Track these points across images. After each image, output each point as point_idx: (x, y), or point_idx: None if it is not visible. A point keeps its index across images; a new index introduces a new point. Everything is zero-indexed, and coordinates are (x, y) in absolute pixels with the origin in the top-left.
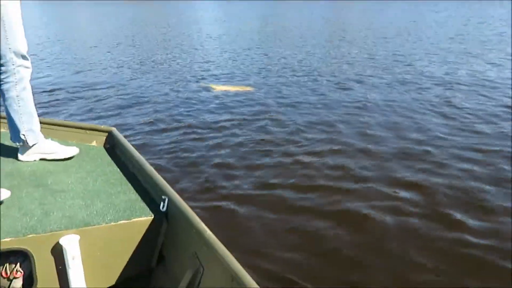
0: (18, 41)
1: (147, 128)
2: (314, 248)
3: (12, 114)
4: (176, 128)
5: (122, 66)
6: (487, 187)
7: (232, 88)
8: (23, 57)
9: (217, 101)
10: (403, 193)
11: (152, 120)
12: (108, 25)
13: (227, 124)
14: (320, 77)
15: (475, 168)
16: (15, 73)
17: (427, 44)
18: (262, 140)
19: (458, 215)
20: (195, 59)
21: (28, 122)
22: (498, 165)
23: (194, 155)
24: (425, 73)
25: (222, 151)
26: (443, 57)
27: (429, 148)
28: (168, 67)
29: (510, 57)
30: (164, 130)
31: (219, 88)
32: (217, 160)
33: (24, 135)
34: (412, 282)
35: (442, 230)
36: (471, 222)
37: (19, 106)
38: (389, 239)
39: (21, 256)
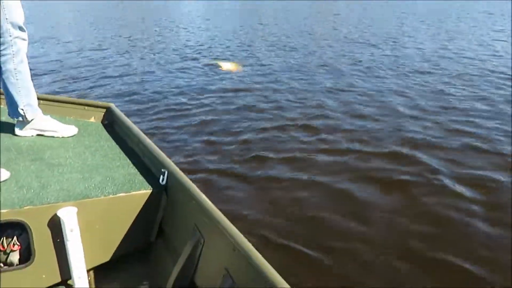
0: (15, 11)
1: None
2: (303, 214)
3: (10, 88)
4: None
5: (106, 46)
6: None
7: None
8: (20, 28)
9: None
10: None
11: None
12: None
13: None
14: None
15: None
16: (12, 45)
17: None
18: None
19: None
20: (179, 40)
21: (27, 96)
22: None
23: (181, 130)
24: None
25: (210, 126)
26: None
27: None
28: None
29: None
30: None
31: (209, 62)
32: (203, 135)
33: (22, 109)
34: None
35: (435, 194)
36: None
37: (17, 80)
38: (372, 208)
39: (18, 229)
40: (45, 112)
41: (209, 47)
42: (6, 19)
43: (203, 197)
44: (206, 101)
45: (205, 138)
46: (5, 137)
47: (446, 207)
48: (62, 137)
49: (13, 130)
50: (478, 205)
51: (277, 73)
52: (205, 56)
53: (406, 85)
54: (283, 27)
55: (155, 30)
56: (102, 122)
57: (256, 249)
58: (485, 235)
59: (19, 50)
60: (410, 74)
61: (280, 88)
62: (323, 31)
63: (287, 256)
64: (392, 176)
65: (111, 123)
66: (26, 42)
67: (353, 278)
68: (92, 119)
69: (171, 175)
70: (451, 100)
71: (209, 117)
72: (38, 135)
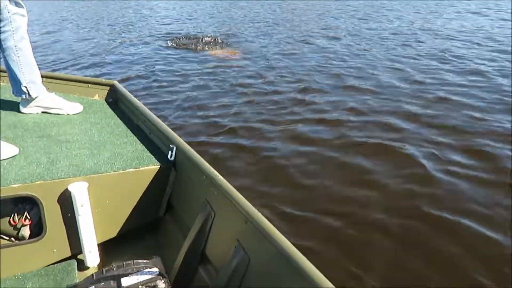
0: None
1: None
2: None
3: (12, 66)
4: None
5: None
6: None
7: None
8: (17, 4)
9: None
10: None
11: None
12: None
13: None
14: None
15: None
16: (11, 22)
17: None
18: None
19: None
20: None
21: (29, 74)
22: None
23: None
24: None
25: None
26: None
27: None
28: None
29: None
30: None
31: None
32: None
33: (26, 87)
34: None
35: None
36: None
37: (18, 57)
38: (366, 173)
39: (29, 204)
40: (49, 90)
41: (202, 36)
42: None
43: (213, 171)
44: (200, 82)
45: (200, 114)
46: (10, 114)
47: (439, 171)
48: (68, 114)
49: (18, 108)
50: (471, 169)
51: (269, 55)
52: (197, 44)
53: (395, 59)
54: (267, 16)
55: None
56: (106, 99)
57: (269, 220)
58: (476, 193)
59: (18, 27)
60: (399, 48)
61: (273, 66)
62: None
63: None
64: (382, 142)
65: (115, 100)
66: (26, 19)
67: (351, 235)
68: (96, 97)
69: (179, 150)
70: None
71: (202, 95)
72: (43, 112)
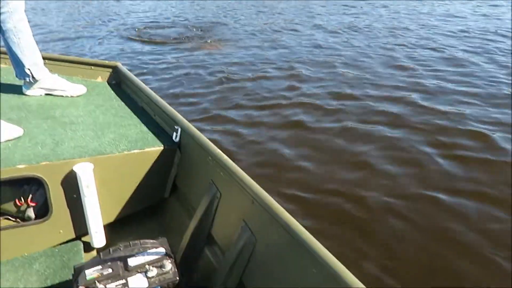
0: None
1: None
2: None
3: (14, 48)
4: None
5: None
6: None
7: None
8: None
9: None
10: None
11: None
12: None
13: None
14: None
15: None
16: (8, 2)
17: None
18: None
19: None
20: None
21: (32, 55)
22: None
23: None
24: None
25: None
26: None
27: None
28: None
29: None
30: None
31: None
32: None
33: (29, 69)
34: None
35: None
36: None
37: (19, 39)
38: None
39: (35, 185)
40: (51, 72)
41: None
42: None
43: (219, 152)
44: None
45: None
46: (14, 97)
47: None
48: (71, 96)
49: (21, 90)
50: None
51: (253, 48)
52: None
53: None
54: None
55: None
56: (109, 81)
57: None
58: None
59: (16, 7)
60: (386, 33)
61: (260, 55)
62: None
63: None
64: (366, 119)
65: (118, 82)
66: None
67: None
68: (99, 79)
69: (184, 132)
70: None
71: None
72: (46, 94)
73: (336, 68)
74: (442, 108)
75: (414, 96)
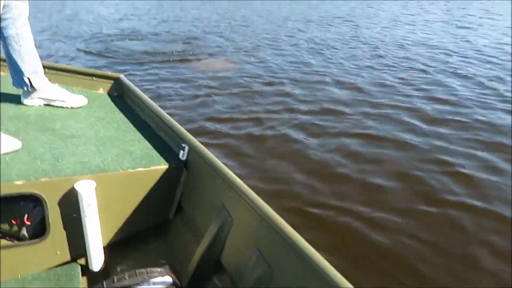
0: None
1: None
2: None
3: (14, 55)
4: None
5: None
6: None
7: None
8: None
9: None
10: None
11: None
12: None
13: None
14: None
15: None
16: (12, 8)
17: None
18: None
19: None
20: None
21: (32, 64)
22: None
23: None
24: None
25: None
26: None
27: None
28: None
29: None
30: None
31: None
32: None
33: (28, 78)
34: None
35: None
36: None
37: (20, 46)
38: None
39: (32, 202)
40: (51, 81)
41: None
42: None
43: (231, 173)
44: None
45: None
46: (12, 106)
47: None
48: (72, 107)
49: (19, 100)
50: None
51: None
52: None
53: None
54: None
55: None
56: (111, 93)
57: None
58: None
59: (20, 13)
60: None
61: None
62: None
63: None
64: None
65: (121, 94)
66: (27, 4)
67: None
68: (101, 90)
69: (191, 150)
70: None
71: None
72: (45, 105)
73: (326, 85)
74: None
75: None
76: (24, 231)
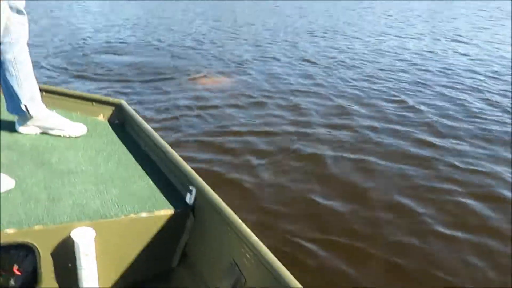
0: None
1: None
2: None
3: (10, 81)
4: None
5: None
6: None
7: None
8: (19, 11)
9: None
10: None
11: None
12: None
13: None
14: None
15: None
16: (11, 32)
17: None
18: None
19: None
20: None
21: (29, 90)
22: None
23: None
24: None
25: None
26: None
27: None
28: None
29: None
30: None
31: None
32: None
33: (25, 105)
34: None
35: None
36: None
37: (18, 71)
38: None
39: (23, 250)
40: (48, 106)
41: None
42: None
43: (243, 225)
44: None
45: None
46: (5, 134)
47: None
48: (70, 136)
49: (13, 126)
50: None
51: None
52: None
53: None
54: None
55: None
56: (111, 120)
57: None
58: None
59: (18, 37)
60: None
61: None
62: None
63: None
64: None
65: (122, 122)
66: (27, 27)
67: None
68: (101, 117)
69: (199, 193)
70: None
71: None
72: (42, 133)
73: (332, 100)
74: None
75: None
76: (12, 282)
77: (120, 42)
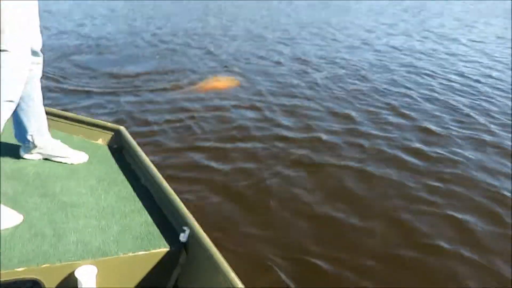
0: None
1: None
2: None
3: (20, 114)
4: None
5: None
6: None
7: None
8: (35, 53)
9: None
10: None
11: None
12: None
13: None
14: None
15: None
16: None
17: None
18: None
19: None
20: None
21: (37, 122)
22: None
23: None
24: None
25: None
26: None
27: None
28: None
29: None
30: None
31: None
32: None
33: (31, 136)
34: None
35: None
36: None
37: (29, 107)
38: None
39: (30, 282)
40: (50, 128)
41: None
42: None
43: (232, 274)
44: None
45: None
46: (9, 160)
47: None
48: (71, 163)
49: (17, 151)
50: None
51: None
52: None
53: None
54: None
55: None
56: (110, 144)
57: None
58: None
59: (33, 76)
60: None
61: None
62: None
63: None
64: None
65: (120, 148)
66: (41, 66)
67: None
68: (100, 141)
69: (192, 233)
70: None
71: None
72: (44, 159)
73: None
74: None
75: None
76: None
77: (102, 42)
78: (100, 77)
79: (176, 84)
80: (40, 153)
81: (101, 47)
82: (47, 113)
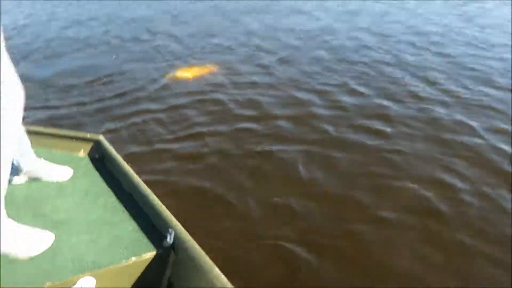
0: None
1: None
2: None
3: None
4: None
5: None
6: None
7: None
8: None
9: None
10: None
11: None
12: None
13: None
14: None
15: None
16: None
17: None
18: None
19: None
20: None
21: (20, 147)
22: None
23: None
24: None
25: None
26: None
27: None
28: None
29: None
30: None
31: None
32: None
33: (17, 161)
34: None
35: None
36: None
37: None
38: None
39: None
40: (32, 144)
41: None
42: None
43: (210, 262)
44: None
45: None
46: None
47: None
48: (57, 181)
49: None
50: None
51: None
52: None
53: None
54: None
55: None
56: (91, 155)
57: None
58: None
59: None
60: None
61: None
62: None
63: None
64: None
65: (101, 157)
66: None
67: None
68: (81, 153)
69: (178, 234)
70: None
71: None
72: (31, 178)
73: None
74: None
75: None
76: None
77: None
78: (52, 86)
79: (138, 84)
80: (26, 175)
81: (49, 49)
82: (28, 131)
